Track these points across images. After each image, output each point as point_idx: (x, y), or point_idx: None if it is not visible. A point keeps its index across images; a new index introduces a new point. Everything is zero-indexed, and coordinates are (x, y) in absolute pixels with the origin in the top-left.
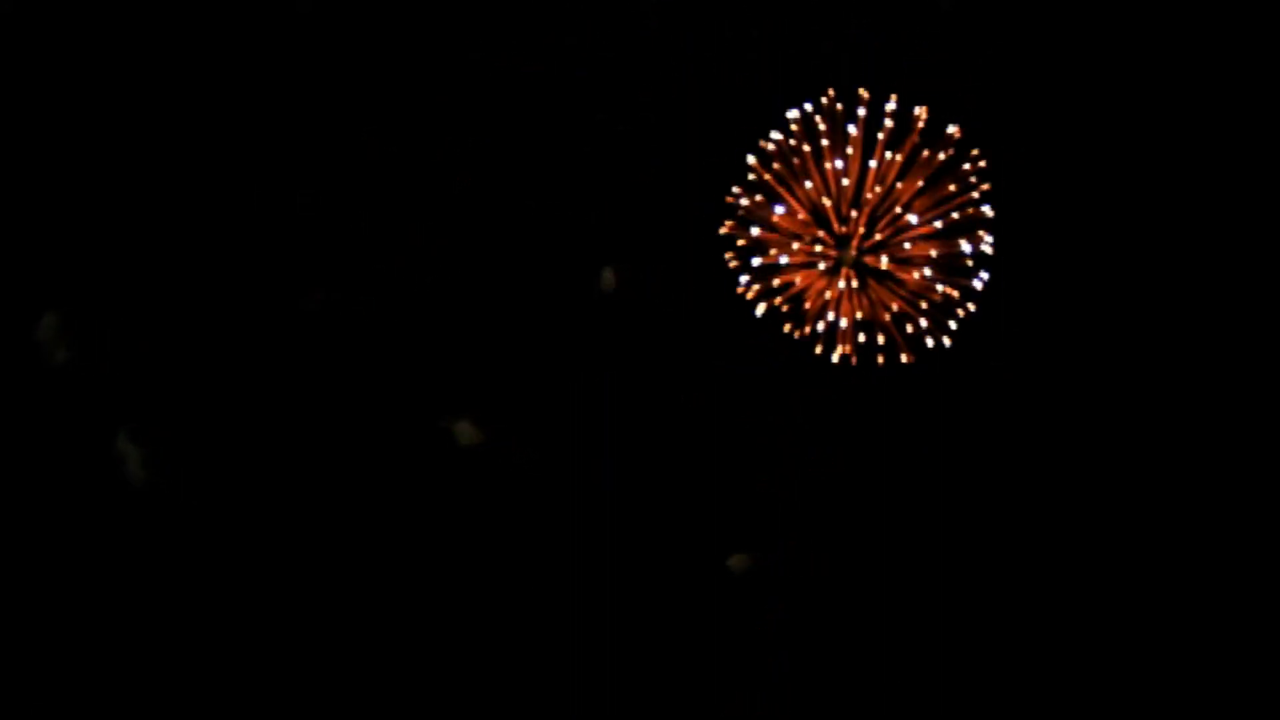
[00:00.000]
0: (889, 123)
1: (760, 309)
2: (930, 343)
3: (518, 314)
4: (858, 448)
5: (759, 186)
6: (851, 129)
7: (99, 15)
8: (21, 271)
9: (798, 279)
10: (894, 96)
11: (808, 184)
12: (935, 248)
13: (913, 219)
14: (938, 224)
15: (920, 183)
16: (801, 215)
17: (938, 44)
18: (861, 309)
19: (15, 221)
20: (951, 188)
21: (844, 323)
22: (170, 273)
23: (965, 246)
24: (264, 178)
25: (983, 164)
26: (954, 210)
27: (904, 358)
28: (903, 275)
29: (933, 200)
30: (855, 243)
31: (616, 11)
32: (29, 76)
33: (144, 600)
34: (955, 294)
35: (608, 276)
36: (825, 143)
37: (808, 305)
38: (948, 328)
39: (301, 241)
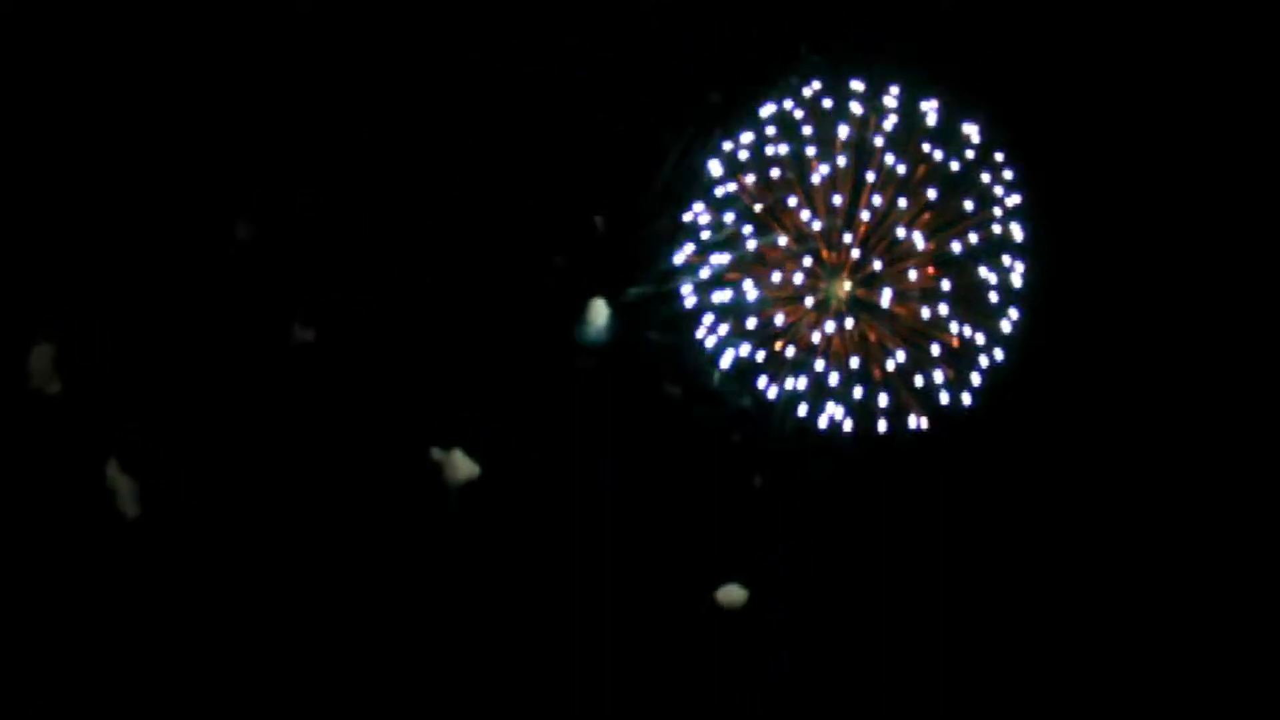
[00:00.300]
0: (888, 124)
1: (726, 358)
2: (945, 399)
3: (517, 314)
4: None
5: (731, 203)
6: (843, 130)
7: (98, 16)
8: (13, 299)
9: (778, 318)
10: (894, 90)
11: (791, 200)
12: (949, 278)
13: (919, 241)
14: (955, 246)
15: (930, 194)
16: (784, 239)
17: (938, 44)
18: (857, 355)
19: (6, 238)
20: (968, 205)
21: (835, 377)
22: (166, 285)
23: (988, 276)
24: (264, 178)
25: (1008, 175)
26: (972, 231)
27: (913, 421)
28: (907, 312)
29: (944, 218)
30: (847, 273)
31: (616, 11)
32: (27, 78)
33: (137, 631)
34: (978, 338)
35: (598, 306)
36: (812, 151)
37: (790, 351)
38: (967, 381)
39: (301, 241)
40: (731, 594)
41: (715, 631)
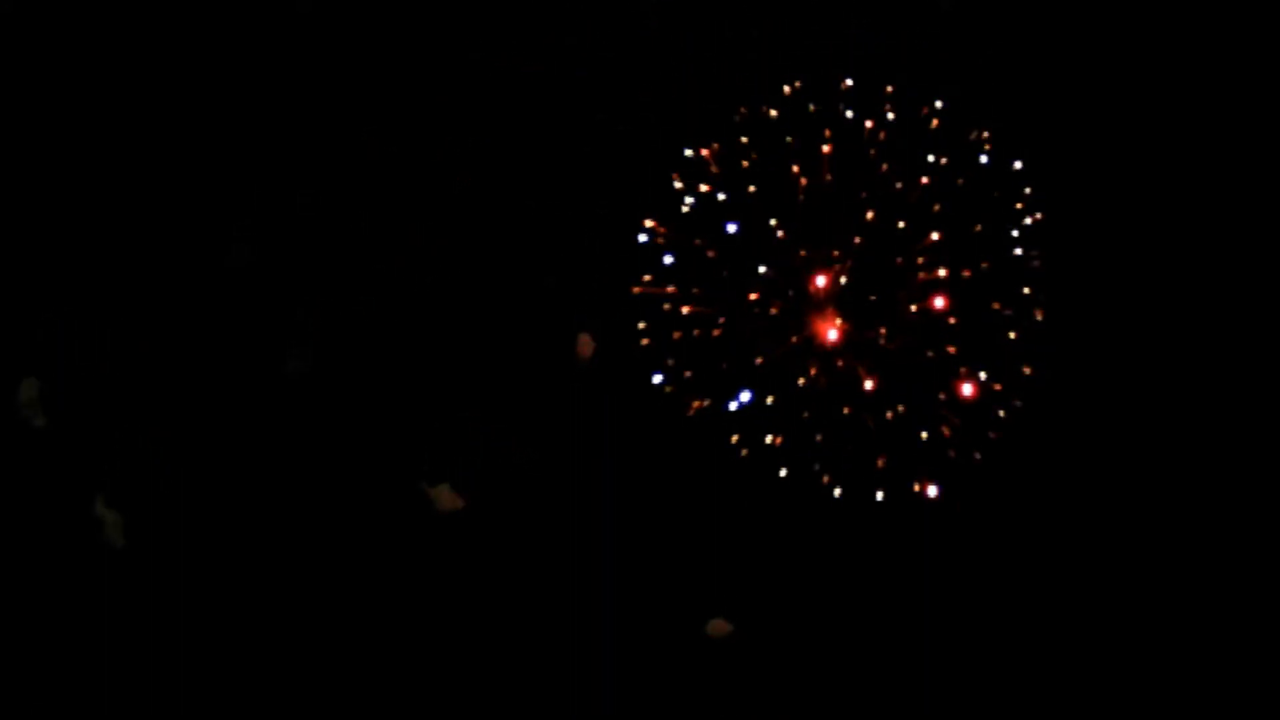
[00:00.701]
0: (884, 132)
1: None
2: (956, 459)
3: (517, 314)
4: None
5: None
6: (831, 136)
7: (96, 16)
8: None
9: (755, 360)
10: (890, 90)
11: (771, 224)
12: (960, 313)
13: (923, 268)
14: (966, 274)
15: (935, 210)
16: (762, 267)
17: (938, 44)
18: (849, 406)
19: None
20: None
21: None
22: (156, 305)
23: (1007, 310)
24: (264, 178)
25: (1027, 190)
26: (986, 256)
27: (919, 488)
28: (909, 353)
29: (953, 241)
30: (836, 307)
31: (616, 11)
32: (26, 80)
33: (122, 665)
34: (995, 385)
35: (585, 341)
36: (796, 169)
37: (768, 400)
38: (983, 437)
39: (301, 241)
40: (719, 627)
41: (702, 663)
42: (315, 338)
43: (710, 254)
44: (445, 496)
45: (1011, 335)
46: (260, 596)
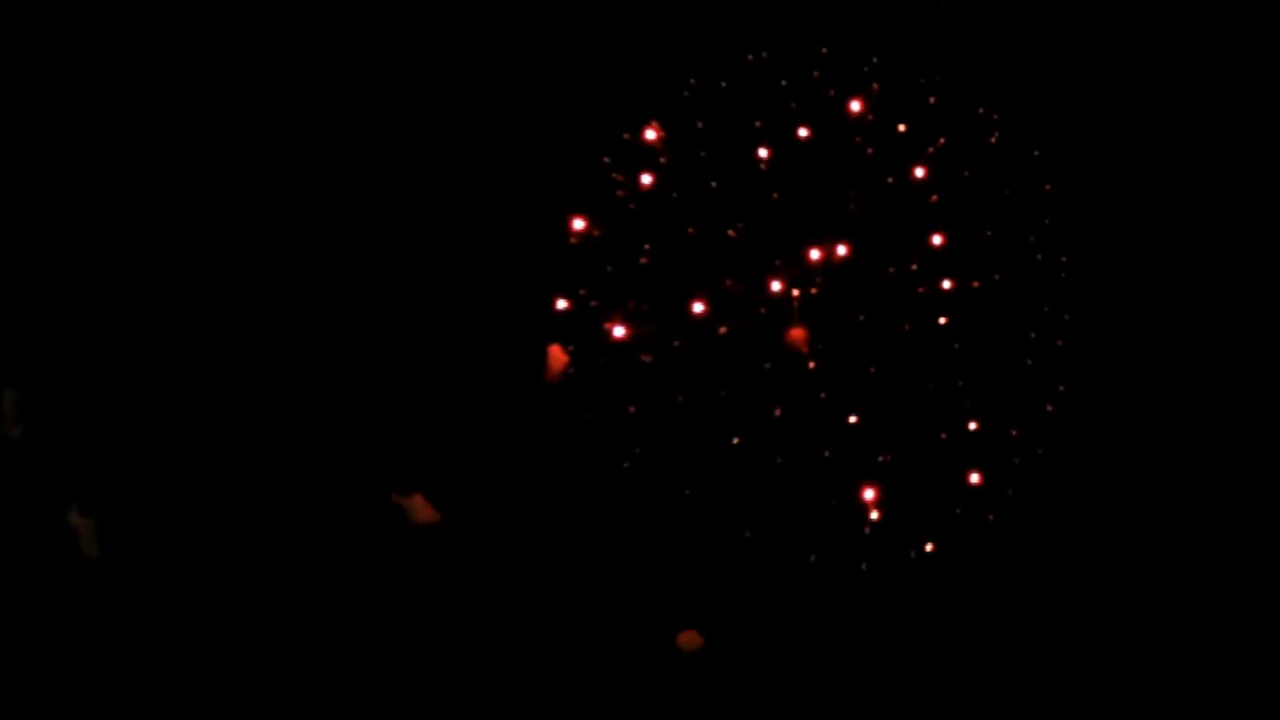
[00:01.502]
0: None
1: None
2: (962, 512)
3: (517, 313)
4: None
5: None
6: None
7: (96, 15)
8: None
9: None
10: (873, 86)
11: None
12: (962, 335)
13: (917, 279)
14: (972, 286)
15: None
16: (729, 280)
17: (938, 44)
18: (828, 448)
19: None
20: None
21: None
22: (151, 301)
23: (1019, 331)
24: (264, 178)
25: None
26: (994, 265)
27: (926, 547)
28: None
29: (951, 248)
30: (806, 327)
31: (616, 11)
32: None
33: (101, 678)
34: (1009, 425)
35: (556, 355)
36: (765, 153)
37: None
38: (995, 489)
39: (301, 242)
40: (691, 639)
41: (673, 677)
42: (308, 347)
43: (642, 260)
44: (420, 508)
45: (1029, 362)
46: (238, 609)
